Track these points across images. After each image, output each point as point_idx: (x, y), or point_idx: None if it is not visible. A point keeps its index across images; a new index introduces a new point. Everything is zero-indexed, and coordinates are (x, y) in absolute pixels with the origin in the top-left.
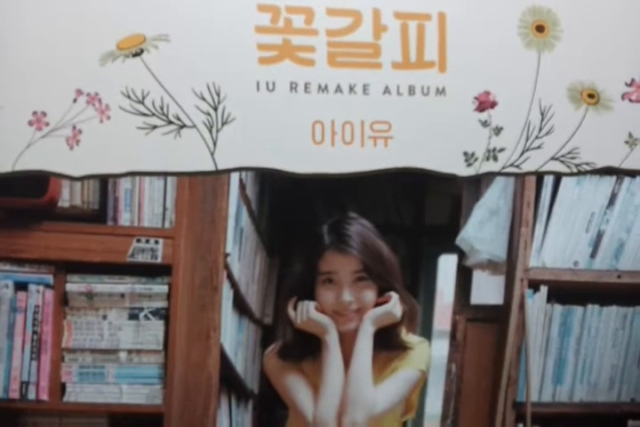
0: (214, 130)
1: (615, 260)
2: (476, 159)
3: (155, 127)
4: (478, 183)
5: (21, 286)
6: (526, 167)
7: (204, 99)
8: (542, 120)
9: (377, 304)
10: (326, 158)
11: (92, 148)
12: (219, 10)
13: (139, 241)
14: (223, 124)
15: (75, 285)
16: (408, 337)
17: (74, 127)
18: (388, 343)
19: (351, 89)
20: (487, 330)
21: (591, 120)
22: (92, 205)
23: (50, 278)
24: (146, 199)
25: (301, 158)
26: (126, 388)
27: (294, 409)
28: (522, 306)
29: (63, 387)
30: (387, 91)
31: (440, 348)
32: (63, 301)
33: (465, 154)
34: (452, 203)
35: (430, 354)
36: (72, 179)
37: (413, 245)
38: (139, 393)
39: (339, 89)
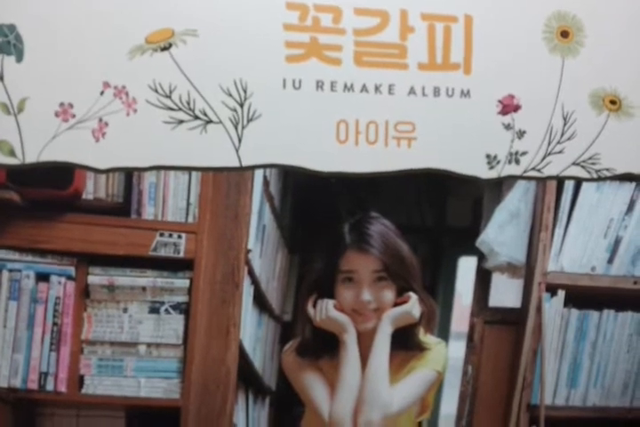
0: (240, 126)
1: (632, 266)
2: (498, 162)
3: (181, 122)
4: (500, 186)
5: (43, 277)
6: (547, 171)
7: (230, 95)
8: (564, 125)
9: (396, 304)
10: (350, 157)
11: (118, 141)
12: (248, 6)
13: (162, 235)
14: (249, 120)
15: (96, 277)
16: (425, 338)
17: (100, 120)
18: (405, 343)
19: (377, 89)
20: (504, 332)
21: (612, 126)
22: (116, 198)
23: (72, 270)
24: (170, 194)
25: (325, 157)
26: (144, 381)
27: (310, 407)
28: (539, 309)
29: (81, 379)
30: (412, 91)
31: (457, 349)
32: (84, 293)
33: (487, 156)
34: (473, 205)
35: (447, 355)
36: (97, 171)
37: (434, 246)
38: (157, 387)
39: (364, 88)
